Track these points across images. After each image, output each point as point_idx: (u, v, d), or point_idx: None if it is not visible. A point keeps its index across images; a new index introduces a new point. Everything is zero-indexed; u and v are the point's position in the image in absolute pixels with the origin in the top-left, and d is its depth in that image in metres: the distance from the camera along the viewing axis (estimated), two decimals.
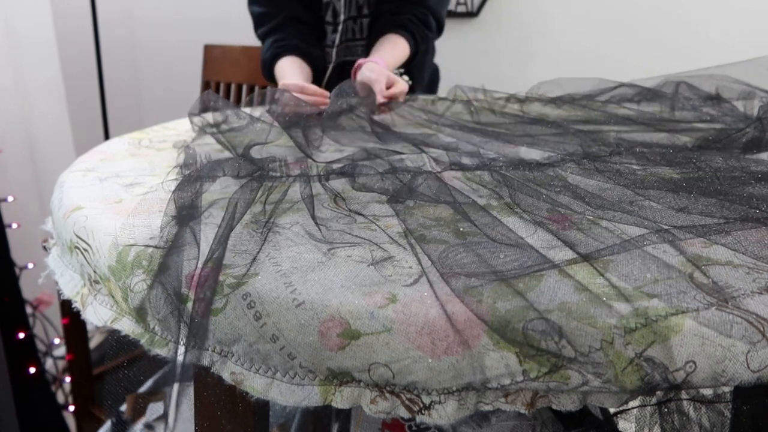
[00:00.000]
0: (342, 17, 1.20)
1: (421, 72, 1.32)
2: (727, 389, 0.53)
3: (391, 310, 0.37)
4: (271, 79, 1.19)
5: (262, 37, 1.21)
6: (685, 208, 0.50)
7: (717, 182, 0.55)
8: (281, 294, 0.39)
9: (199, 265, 0.42)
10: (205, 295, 0.40)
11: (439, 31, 1.28)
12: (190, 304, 0.41)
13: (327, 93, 0.96)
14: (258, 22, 1.22)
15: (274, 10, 1.18)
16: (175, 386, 0.38)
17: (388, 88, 1.00)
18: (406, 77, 1.08)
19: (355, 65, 1.08)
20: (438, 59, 1.39)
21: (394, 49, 1.15)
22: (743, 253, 0.42)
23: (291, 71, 1.10)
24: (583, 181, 0.58)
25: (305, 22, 1.19)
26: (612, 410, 0.69)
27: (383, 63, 1.06)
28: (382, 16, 1.21)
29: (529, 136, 0.78)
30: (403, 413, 0.37)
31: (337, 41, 1.22)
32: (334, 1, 1.20)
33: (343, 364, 0.37)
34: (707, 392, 0.52)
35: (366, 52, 1.25)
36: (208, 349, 0.41)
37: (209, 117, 0.87)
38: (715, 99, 0.91)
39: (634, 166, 0.62)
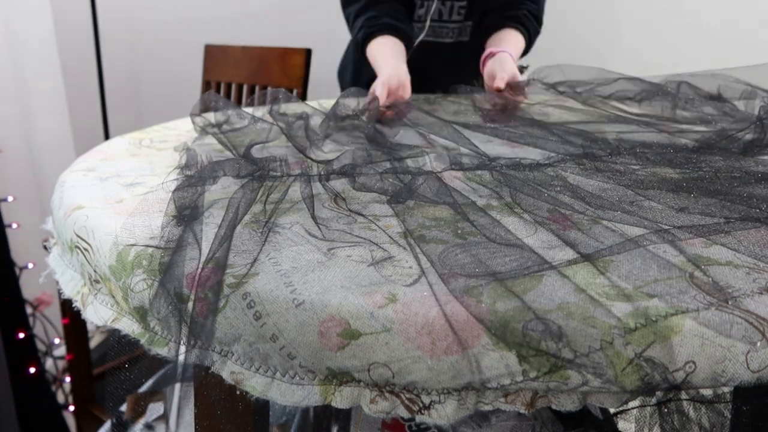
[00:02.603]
0: None
1: None
2: (726, 389, 0.53)
3: (391, 310, 0.37)
4: (365, 60, 1.18)
5: (352, 16, 1.20)
6: (686, 208, 0.50)
7: (717, 182, 0.55)
8: (281, 294, 0.39)
9: (200, 265, 0.42)
10: (205, 295, 0.40)
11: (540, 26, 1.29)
12: (190, 304, 0.41)
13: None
14: (348, 1, 1.21)
15: None
16: (177, 386, 0.38)
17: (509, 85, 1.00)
18: (527, 74, 1.07)
19: (487, 53, 1.07)
20: None
21: (516, 43, 1.15)
22: (744, 253, 0.42)
23: (382, 54, 1.10)
24: (583, 181, 0.58)
25: None
26: (612, 410, 0.69)
27: (515, 55, 1.06)
28: (495, 11, 1.20)
29: (530, 136, 0.78)
30: (403, 413, 0.37)
31: (428, 19, 1.22)
32: None
33: (343, 364, 0.37)
34: (707, 392, 0.52)
35: (458, 37, 1.25)
36: (209, 349, 0.41)
37: (211, 117, 0.87)
38: (717, 99, 0.91)
39: (635, 166, 0.62)
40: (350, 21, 1.21)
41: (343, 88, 1.39)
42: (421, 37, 1.22)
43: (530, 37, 1.19)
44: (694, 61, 1.67)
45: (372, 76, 1.05)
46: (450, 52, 1.25)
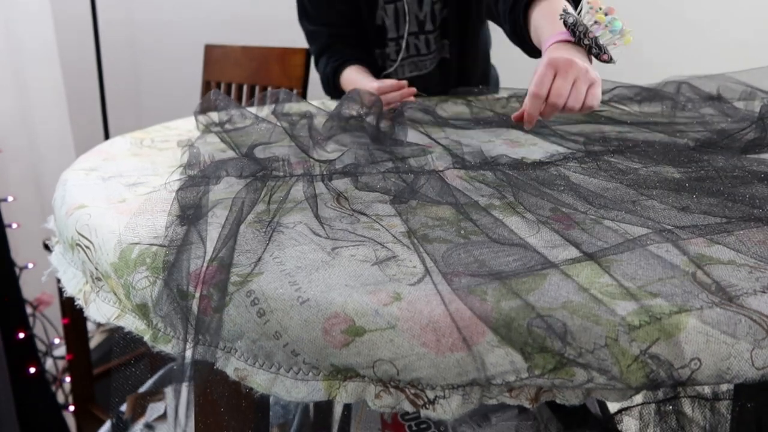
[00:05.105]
0: (390, 35, 1.20)
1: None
2: (725, 388, 0.53)
3: (396, 308, 0.37)
4: (336, 94, 1.20)
5: (315, 55, 1.24)
6: (688, 208, 0.50)
7: (719, 182, 0.55)
8: (285, 292, 0.39)
9: (204, 264, 0.42)
10: (209, 292, 0.40)
11: None
12: (194, 302, 0.41)
13: (403, 83, 0.99)
14: (309, 39, 1.25)
15: (320, 29, 1.21)
16: (183, 382, 0.38)
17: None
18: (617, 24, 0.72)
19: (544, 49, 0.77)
20: None
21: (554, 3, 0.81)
22: (745, 253, 0.42)
23: (360, 76, 1.12)
24: (585, 180, 0.58)
25: (350, 35, 1.21)
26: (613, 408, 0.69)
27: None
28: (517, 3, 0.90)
29: (530, 135, 0.78)
30: (408, 407, 0.37)
31: (401, 56, 1.22)
32: (385, 19, 1.20)
33: (348, 361, 0.37)
34: (703, 390, 0.52)
35: (440, 54, 1.23)
36: (213, 346, 0.41)
37: (214, 116, 0.87)
38: (716, 99, 0.92)
39: (636, 165, 0.62)
40: (315, 58, 1.24)
41: None
42: (402, 77, 1.22)
43: None
44: (684, 59, 1.68)
45: None
46: (438, 76, 1.25)
